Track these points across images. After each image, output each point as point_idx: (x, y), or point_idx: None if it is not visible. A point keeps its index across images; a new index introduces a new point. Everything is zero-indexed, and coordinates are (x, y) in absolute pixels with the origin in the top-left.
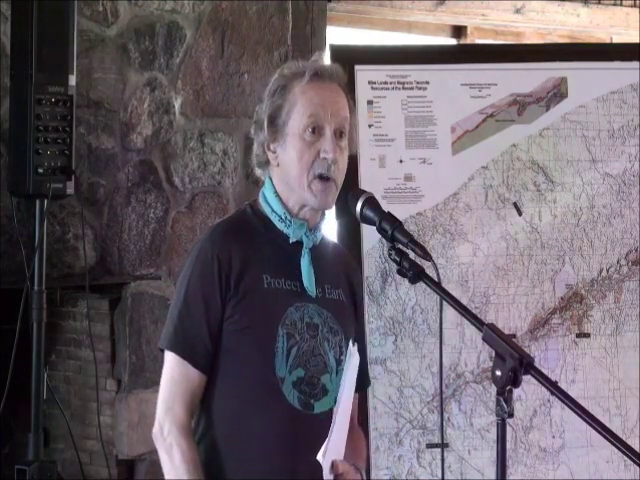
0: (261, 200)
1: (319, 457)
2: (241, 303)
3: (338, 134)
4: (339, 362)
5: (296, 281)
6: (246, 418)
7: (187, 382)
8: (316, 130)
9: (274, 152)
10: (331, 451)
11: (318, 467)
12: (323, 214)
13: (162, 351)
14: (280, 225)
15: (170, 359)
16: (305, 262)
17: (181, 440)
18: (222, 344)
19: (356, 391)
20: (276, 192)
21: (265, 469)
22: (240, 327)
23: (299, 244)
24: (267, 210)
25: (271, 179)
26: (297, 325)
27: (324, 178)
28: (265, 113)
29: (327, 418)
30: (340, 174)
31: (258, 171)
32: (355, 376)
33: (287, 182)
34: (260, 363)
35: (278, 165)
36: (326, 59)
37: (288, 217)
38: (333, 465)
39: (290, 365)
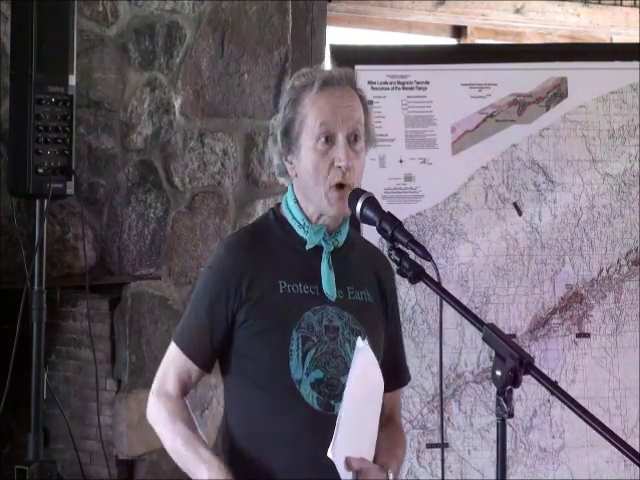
0: (283, 205)
1: (329, 453)
2: (254, 308)
3: (352, 138)
4: None
5: (314, 285)
6: (266, 420)
7: (184, 369)
8: (329, 139)
9: (291, 163)
10: (341, 447)
11: None
12: (345, 217)
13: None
14: (300, 231)
15: (174, 349)
16: (325, 267)
17: (167, 401)
18: (238, 349)
19: (396, 388)
20: (296, 199)
21: (287, 469)
22: (254, 332)
23: (319, 248)
24: (288, 216)
25: (292, 186)
26: (314, 328)
27: (340, 186)
28: (279, 127)
29: None
30: (356, 178)
31: (281, 179)
32: (370, 370)
33: (305, 192)
34: (275, 366)
35: (296, 175)
36: (329, 63)
37: (306, 223)
38: (348, 463)
39: (307, 367)
